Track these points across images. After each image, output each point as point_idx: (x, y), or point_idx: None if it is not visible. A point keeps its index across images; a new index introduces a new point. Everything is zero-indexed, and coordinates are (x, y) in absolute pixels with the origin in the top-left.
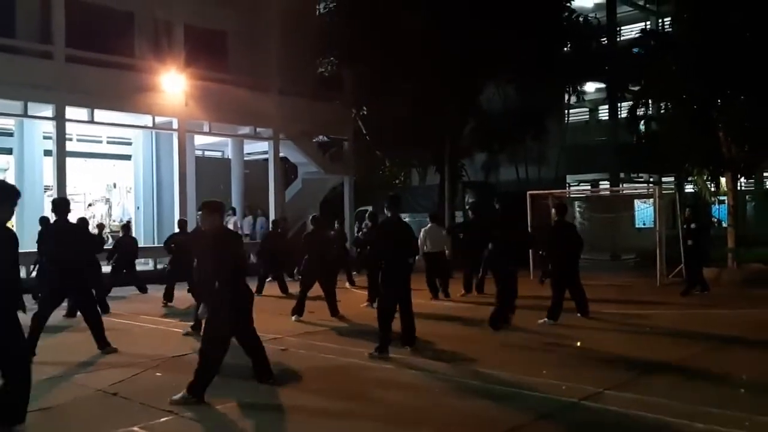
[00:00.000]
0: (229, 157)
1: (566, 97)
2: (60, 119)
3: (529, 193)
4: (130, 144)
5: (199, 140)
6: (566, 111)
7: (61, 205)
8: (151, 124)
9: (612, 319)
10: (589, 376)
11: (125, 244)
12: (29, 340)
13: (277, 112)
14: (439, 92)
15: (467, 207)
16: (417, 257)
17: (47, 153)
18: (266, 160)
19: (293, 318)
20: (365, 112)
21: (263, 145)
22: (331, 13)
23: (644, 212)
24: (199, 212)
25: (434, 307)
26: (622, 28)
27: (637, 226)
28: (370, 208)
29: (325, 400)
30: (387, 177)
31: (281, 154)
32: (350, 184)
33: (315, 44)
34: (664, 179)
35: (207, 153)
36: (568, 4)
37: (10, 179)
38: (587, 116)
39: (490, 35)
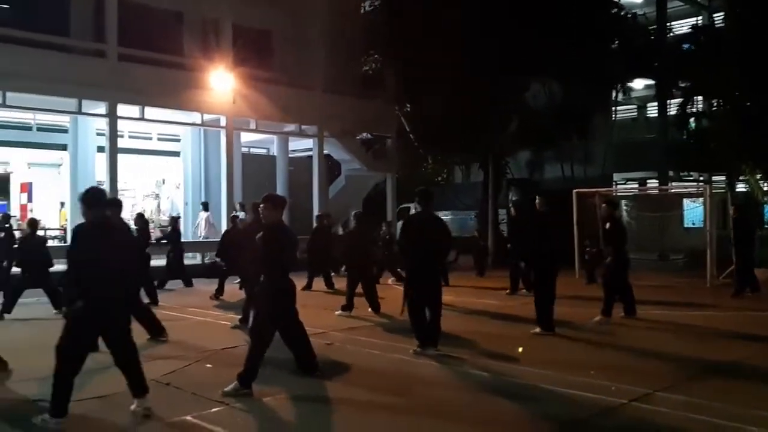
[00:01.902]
0: (275, 154)
1: (614, 93)
2: (112, 116)
3: (575, 191)
4: (179, 141)
5: (246, 137)
6: (614, 108)
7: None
8: (199, 122)
9: (661, 319)
10: (639, 377)
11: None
12: None
13: (322, 110)
14: (483, 89)
15: (510, 205)
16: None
17: (100, 149)
18: (310, 157)
19: (337, 313)
20: (408, 110)
21: (308, 143)
22: (375, 11)
23: (693, 212)
24: (261, 205)
25: (479, 304)
26: (672, 23)
27: (686, 225)
28: (412, 206)
29: (369, 394)
30: (429, 174)
31: (325, 152)
32: (393, 182)
33: (359, 42)
34: (714, 178)
35: (253, 150)
36: (616, 0)
37: (65, 174)
38: (635, 113)
39: (533, 34)
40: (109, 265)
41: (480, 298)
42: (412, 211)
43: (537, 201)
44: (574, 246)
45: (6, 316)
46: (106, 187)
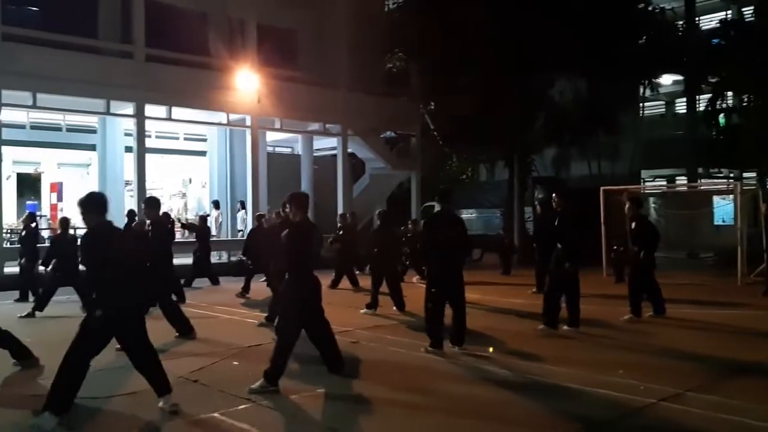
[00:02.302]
0: (299, 153)
1: (641, 89)
2: (140, 117)
3: (602, 189)
4: (205, 140)
5: (271, 136)
6: (641, 104)
7: (152, 201)
8: (225, 121)
9: (691, 318)
10: (669, 376)
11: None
12: None
13: (346, 109)
14: (508, 86)
15: (536, 203)
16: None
17: (128, 149)
18: (335, 156)
19: (362, 311)
20: (433, 107)
21: (332, 141)
22: (400, 9)
23: (723, 209)
24: (287, 205)
25: (504, 303)
26: (701, 18)
27: (716, 223)
28: (436, 204)
29: (395, 392)
30: (454, 172)
31: (349, 150)
32: (417, 180)
33: (383, 41)
34: (745, 174)
35: (278, 149)
36: None
37: (93, 174)
38: (663, 109)
39: (559, 29)
40: (115, 271)
41: (505, 296)
42: (437, 209)
43: (554, 199)
44: (601, 244)
45: (37, 313)
46: (134, 186)
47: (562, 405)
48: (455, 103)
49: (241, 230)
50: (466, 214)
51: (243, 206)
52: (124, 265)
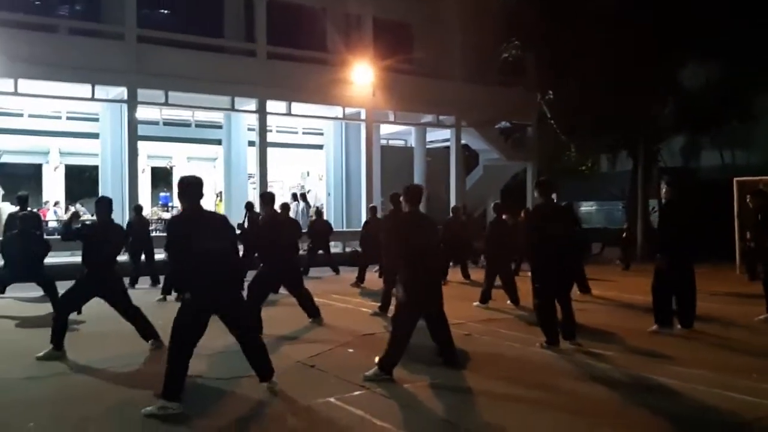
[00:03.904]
0: (412, 145)
1: None
2: (262, 112)
3: (735, 180)
4: (322, 134)
5: (384, 129)
6: None
7: (267, 197)
8: (341, 115)
9: None
10: None
11: (318, 227)
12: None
13: (460, 100)
14: (633, 71)
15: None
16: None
17: (251, 143)
18: (448, 147)
19: (475, 304)
20: (551, 96)
21: (445, 133)
22: None
23: None
24: (402, 197)
25: (625, 299)
26: None
27: None
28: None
29: (509, 387)
30: (573, 163)
31: (463, 142)
32: (533, 171)
33: (498, 29)
34: None
35: (391, 142)
36: None
37: (219, 167)
38: None
39: (691, 8)
40: (203, 252)
41: (625, 292)
42: (540, 202)
43: (663, 190)
44: (735, 240)
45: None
46: (256, 179)
47: (692, 407)
48: (575, 91)
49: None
50: (586, 207)
51: (299, 198)
52: (210, 248)
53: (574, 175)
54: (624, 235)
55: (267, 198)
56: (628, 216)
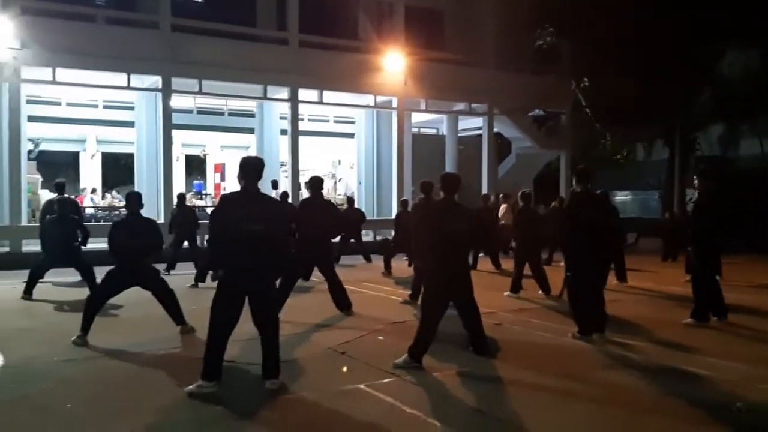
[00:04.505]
0: (444, 133)
1: None
2: (294, 101)
3: None
4: (353, 123)
5: (416, 117)
6: None
7: (316, 182)
8: (372, 104)
9: None
10: None
11: (350, 216)
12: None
13: (492, 87)
14: (670, 59)
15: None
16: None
17: (283, 132)
18: (480, 136)
19: (506, 294)
20: (586, 83)
21: (477, 121)
22: None
23: None
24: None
25: (660, 290)
26: None
27: None
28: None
29: (540, 377)
30: (608, 151)
31: (495, 130)
32: (567, 160)
33: (533, 16)
34: None
35: (423, 130)
36: None
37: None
38: None
39: None
40: (246, 233)
41: (661, 283)
42: (577, 190)
43: (696, 181)
44: None
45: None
46: (288, 167)
47: (730, 399)
48: (611, 78)
49: None
50: (621, 196)
51: (275, 186)
52: (254, 231)
53: (609, 164)
54: (664, 225)
55: (314, 183)
56: (663, 206)
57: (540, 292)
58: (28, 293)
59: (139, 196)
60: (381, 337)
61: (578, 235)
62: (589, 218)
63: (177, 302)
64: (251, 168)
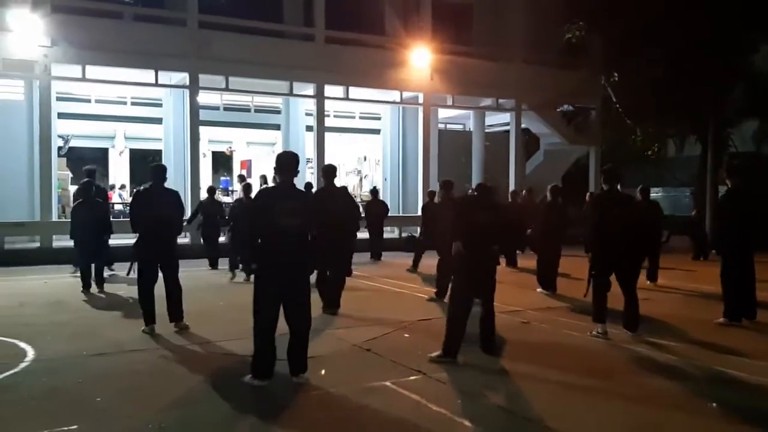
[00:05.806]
0: (471, 129)
1: None
2: (320, 97)
3: None
4: (379, 119)
5: (442, 113)
6: None
7: (330, 170)
8: (398, 100)
9: None
10: None
11: (374, 209)
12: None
13: (520, 83)
14: (702, 54)
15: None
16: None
17: (308, 128)
18: (507, 131)
19: (539, 290)
20: (616, 78)
21: (504, 117)
22: None
23: None
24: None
25: (691, 289)
26: None
27: None
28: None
29: (567, 375)
30: (638, 148)
31: (523, 126)
32: (596, 156)
33: (562, 10)
34: None
35: (449, 126)
36: None
37: (278, 152)
38: None
39: None
40: (280, 227)
41: (693, 282)
42: (605, 189)
43: (726, 177)
44: None
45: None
46: (314, 164)
47: (759, 400)
48: (642, 73)
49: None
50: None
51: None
52: (287, 226)
53: (639, 160)
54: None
55: (328, 170)
56: (695, 203)
57: (539, 289)
58: (86, 287)
59: (163, 168)
60: (407, 335)
61: (602, 235)
62: (614, 219)
63: (181, 299)
64: (287, 163)
